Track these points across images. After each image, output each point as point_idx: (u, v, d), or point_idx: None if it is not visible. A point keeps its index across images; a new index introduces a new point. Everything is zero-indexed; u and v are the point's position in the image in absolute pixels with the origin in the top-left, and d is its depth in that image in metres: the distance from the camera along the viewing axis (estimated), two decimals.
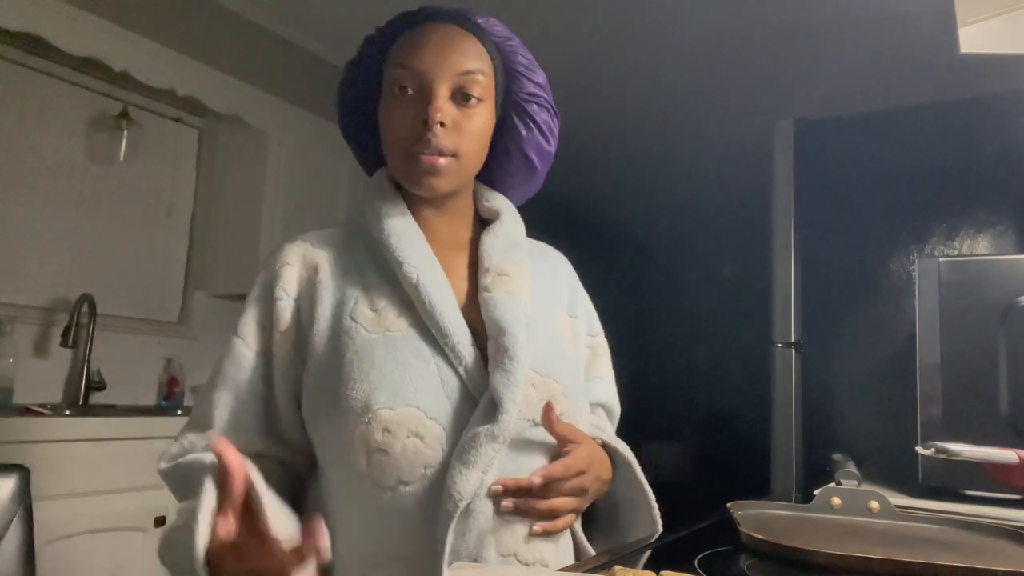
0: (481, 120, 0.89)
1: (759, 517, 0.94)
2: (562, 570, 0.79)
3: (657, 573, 0.65)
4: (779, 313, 2.19)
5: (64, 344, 2.45)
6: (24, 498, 1.23)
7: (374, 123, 0.94)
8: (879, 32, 2.85)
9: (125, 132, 2.69)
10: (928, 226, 2.07)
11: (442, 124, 0.85)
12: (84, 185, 2.69)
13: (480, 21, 0.91)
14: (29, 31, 2.26)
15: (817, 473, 1.70)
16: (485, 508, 0.79)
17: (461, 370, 0.83)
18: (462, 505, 0.77)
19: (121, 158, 2.70)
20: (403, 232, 0.90)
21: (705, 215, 5.68)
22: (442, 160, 0.86)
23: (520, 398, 0.81)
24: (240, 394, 0.87)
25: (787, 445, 2.13)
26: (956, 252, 2.02)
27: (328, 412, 0.83)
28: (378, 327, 0.85)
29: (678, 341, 6.52)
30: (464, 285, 0.93)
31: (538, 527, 0.82)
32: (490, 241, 0.95)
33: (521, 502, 0.81)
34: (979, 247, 2.01)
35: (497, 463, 0.80)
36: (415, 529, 0.79)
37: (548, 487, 0.82)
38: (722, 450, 5.59)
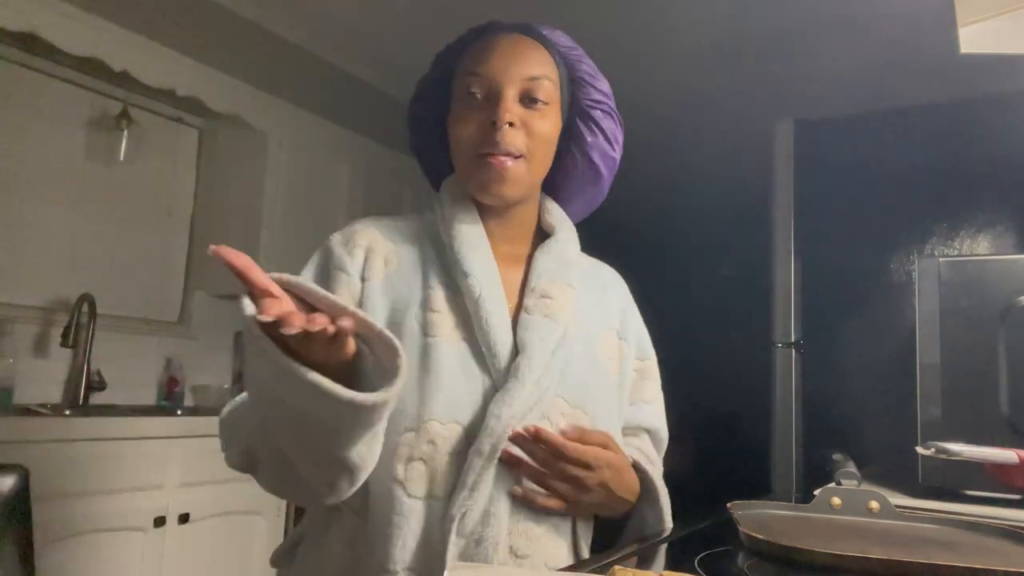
0: (548, 123, 0.91)
1: (759, 517, 0.94)
2: (562, 570, 0.79)
3: (657, 573, 0.64)
4: (779, 313, 2.19)
5: (64, 344, 2.45)
6: (23, 498, 1.23)
7: (443, 138, 0.96)
8: (879, 32, 2.85)
9: (125, 132, 2.69)
10: (928, 226, 2.07)
11: (511, 124, 0.87)
12: (84, 185, 2.69)
13: (545, 32, 0.94)
14: (29, 31, 2.26)
15: (817, 473, 1.70)
16: (486, 529, 0.80)
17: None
18: (453, 526, 0.77)
19: (121, 158, 2.70)
20: (473, 242, 0.91)
21: (705, 215, 5.68)
22: (510, 162, 0.87)
23: (517, 416, 0.81)
24: None
25: (787, 445, 2.13)
26: (956, 252, 2.02)
27: None
28: (438, 333, 0.85)
29: (678, 341, 6.50)
30: (515, 301, 0.93)
31: (518, 489, 0.82)
32: (542, 259, 0.96)
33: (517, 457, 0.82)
34: (979, 247, 2.01)
35: (488, 479, 0.80)
36: (427, 543, 0.80)
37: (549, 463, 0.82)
38: (722, 450, 5.59)
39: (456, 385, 0.83)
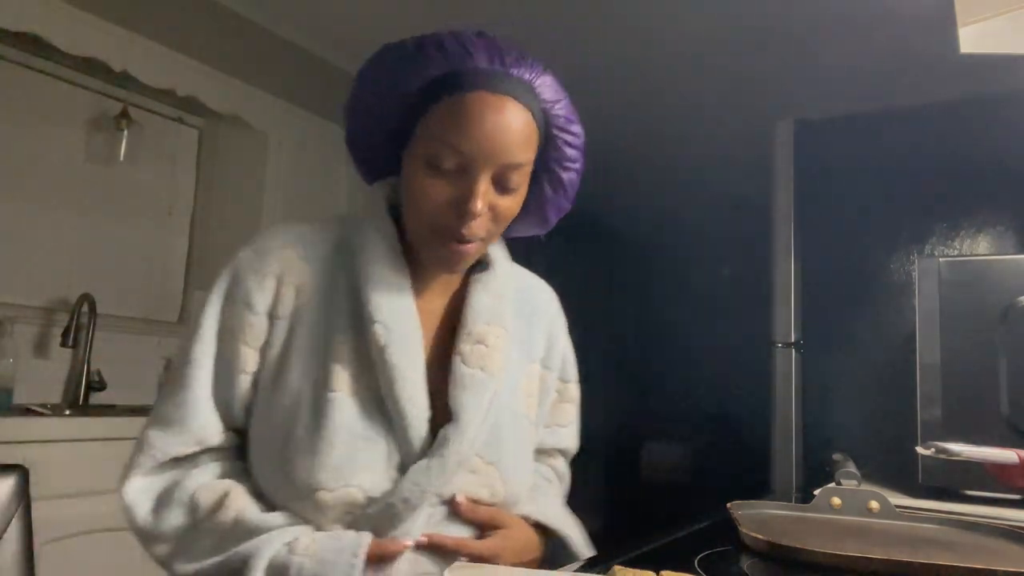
0: (516, 203, 0.84)
1: (759, 517, 0.94)
2: (562, 570, 0.79)
3: (657, 573, 0.65)
4: (779, 313, 2.19)
5: (64, 344, 2.45)
6: (23, 498, 1.23)
7: (386, 138, 0.86)
8: (879, 32, 2.85)
9: (125, 132, 2.69)
10: (928, 226, 2.06)
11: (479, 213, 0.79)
12: (84, 185, 2.69)
13: (536, 85, 0.81)
14: (29, 31, 2.25)
15: (817, 473, 1.70)
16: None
17: (409, 450, 0.81)
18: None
19: (121, 158, 2.70)
20: (387, 280, 0.83)
21: (705, 215, 5.68)
22: (472, 247, 0.82)
23: (436, 487, 0.80)
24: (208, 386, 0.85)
25: (787, 445, 2.13)
26: (956, 252, 2.02)
27: (271, 459, 0.81)
28: (338, 387, 0.80)
29: (678, 341, 6.51)
30: (442, 337, 0.89)
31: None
32: (479, 295, 0.90)
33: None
34: (979, 247, 2.01)
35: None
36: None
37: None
38: (722, 450, 5.59)
39: (353, 448, 0.78)
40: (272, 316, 0.83)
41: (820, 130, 2.25)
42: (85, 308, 2.51)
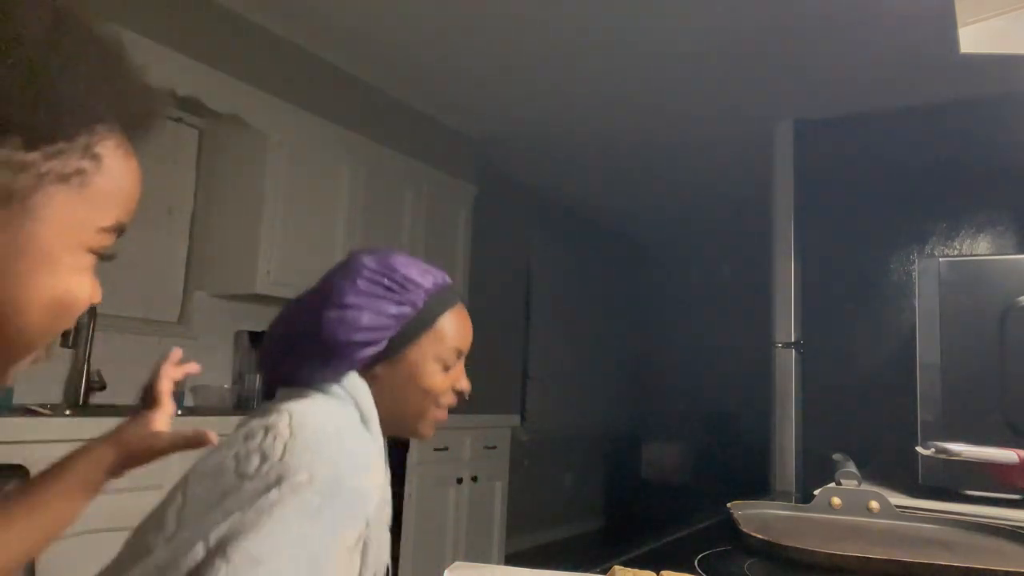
0: None
1: (759, 517, 0.94)
2: (562, 570, 0.79)
3: (657, 573, 0.65)
4: (779, 313, 2.19)
5: (64, 344, 2.45)
6: None
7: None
8: (879, 32, 2.85)
9: None
10: (928, 226, 2.06)
11: None
12: None
13: None
14: None
15: (817, 473, 1.70)
16: None
17: None
18: None
19: None
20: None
21: (705, 215, 5.68)
22: None
23: None
24: None
25: (787, 445, 2.13)
26: (956, 252, 2.02)
27: None
28: None
29: (678, 341, 6.51)
30: None
31: None
32: None
33: None
34: (979, 247, 2.01)
35: None
36: None
37: None
38: (722, 450, 5.60)
39: None
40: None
41: (820, 130, 2.25)
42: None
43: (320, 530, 0.78)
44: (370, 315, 0.95)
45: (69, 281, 0.47)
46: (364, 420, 0.95)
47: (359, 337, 0.94)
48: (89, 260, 0.48)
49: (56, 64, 0.43)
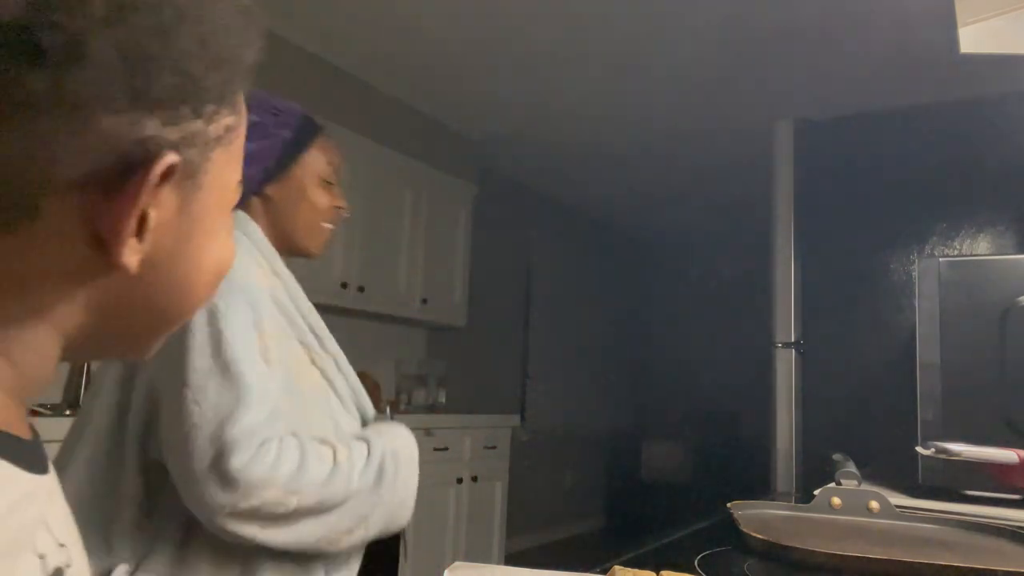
0: None
1: (759, 517, 0.94)
2: (562, 570, 0.79)
3: (657, 573, 0.65)
4: (779, 313, 2.19)
5: None
6: None
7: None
8: (879, 32, 2.85)
9: None
10: (928, 226, 2.06)
11: None
12: None
13: None
14: None
15: (817, 473, 1.70)
16: None
17: None
18: None
19: None
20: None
21: (705, 215, 5.68)
22: None
23: None
24: None
25: (787, 445, 2.13)
26: (956, 252, 2.02)
27: None
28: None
29: (678, 341, 6.51)
30: None
31: None
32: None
33: None
34: (979, 247, 2.01)
35: None
36: None
37: None
38: (722, 450, 5.59)
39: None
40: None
41: (820, 130, 2.25)
42: None
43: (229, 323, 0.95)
44: (256, 141, 1.07)
45: (226, 245, 0.46)
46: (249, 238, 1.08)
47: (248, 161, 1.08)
48: (231, 219, 0.47)
49: (221, 24, 0.39)
